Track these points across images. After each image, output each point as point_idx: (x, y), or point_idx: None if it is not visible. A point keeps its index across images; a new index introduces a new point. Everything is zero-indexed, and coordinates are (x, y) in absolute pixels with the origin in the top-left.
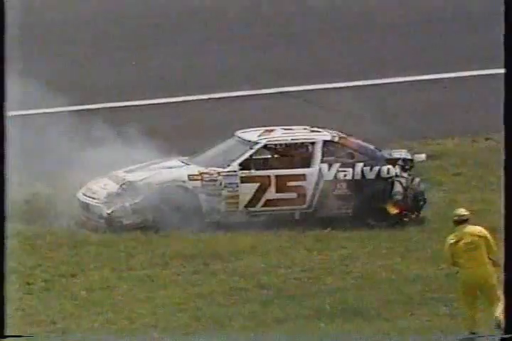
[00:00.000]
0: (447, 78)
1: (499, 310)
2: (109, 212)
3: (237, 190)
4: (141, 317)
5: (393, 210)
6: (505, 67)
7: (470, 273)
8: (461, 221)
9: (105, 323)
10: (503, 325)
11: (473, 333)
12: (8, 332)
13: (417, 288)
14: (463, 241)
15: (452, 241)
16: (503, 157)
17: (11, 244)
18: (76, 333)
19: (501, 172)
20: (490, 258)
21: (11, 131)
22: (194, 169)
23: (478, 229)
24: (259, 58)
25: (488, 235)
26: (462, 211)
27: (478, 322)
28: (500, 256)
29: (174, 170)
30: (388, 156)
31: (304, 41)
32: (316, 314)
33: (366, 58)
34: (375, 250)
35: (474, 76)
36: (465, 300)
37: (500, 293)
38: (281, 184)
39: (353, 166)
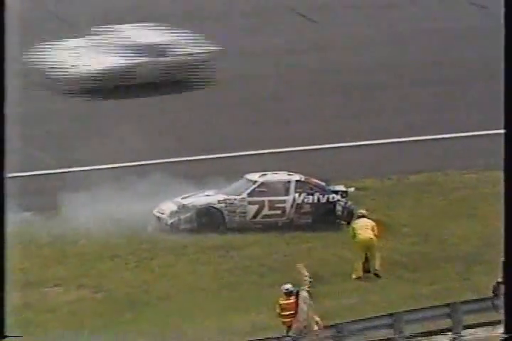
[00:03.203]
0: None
1: (378, 263)
2: (171, 221)
3: (245, 209)
4: (190, 282)
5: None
6: (505, 66)
7: (365, 238)
8: (361, 216)
9: (169, 287)
10: (381, 274)
11: (359, 277)
12: (115, 293)
13: (350, 265)
14: (361, 224)
15: (355, 224)
16: (400, 189)
17: (114, 240)
18: (154, 292)
19: (400, 201)
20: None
21: None
22: (221, 196)
23: (369, 220)
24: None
25: (374, 224)
26: (362, 211)
27: (360, 270)
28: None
29: (209, 197)
30: (333, 189)
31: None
32: (293, 281)
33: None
34: (327, 243)
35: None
36: (360, 255)
37: (378, 252)
38: (271, 205)
39: (312, 195)
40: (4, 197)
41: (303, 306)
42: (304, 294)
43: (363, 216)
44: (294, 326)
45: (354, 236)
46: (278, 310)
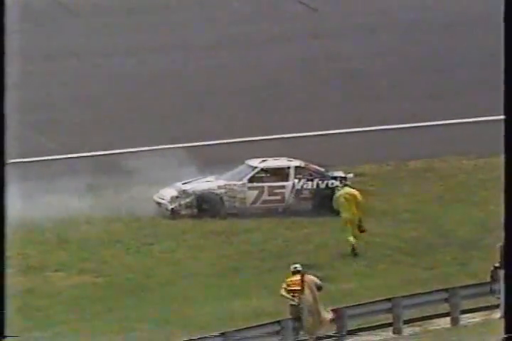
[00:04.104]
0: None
1: (357, 231)
2: (172, 207)
3: (245, 194)
4: (190, 267)
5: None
6: (505, 65)
7: (347, 209)
8: (344, 185)
9: (170, 272)
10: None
11: (354, 250)
12: (116, 278)
13: (349, 250)
14: (346, 194)
15: (340, 196)
16: (398, 175)
17: (115, 227)
18: (154, 278)
19: (395, 184)
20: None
21: None
22: (221, 182)
23: (352, 190)
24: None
25: (357, 193)
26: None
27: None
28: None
29: (209, 183)
30: (332, 175)
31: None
32: (289, 266)
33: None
34: (326, 228)
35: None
36: (344, 225)
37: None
38: (271, 191)
39: (312, 180)
40: (5, 183)
41: (307, 287)
42: (310, 277)
43: (346, 185)
44: (301, 301)
45: (338, 209)
46: (284, 285)
